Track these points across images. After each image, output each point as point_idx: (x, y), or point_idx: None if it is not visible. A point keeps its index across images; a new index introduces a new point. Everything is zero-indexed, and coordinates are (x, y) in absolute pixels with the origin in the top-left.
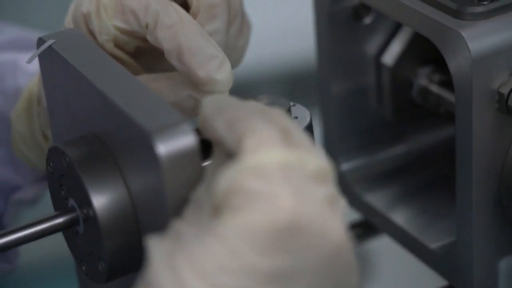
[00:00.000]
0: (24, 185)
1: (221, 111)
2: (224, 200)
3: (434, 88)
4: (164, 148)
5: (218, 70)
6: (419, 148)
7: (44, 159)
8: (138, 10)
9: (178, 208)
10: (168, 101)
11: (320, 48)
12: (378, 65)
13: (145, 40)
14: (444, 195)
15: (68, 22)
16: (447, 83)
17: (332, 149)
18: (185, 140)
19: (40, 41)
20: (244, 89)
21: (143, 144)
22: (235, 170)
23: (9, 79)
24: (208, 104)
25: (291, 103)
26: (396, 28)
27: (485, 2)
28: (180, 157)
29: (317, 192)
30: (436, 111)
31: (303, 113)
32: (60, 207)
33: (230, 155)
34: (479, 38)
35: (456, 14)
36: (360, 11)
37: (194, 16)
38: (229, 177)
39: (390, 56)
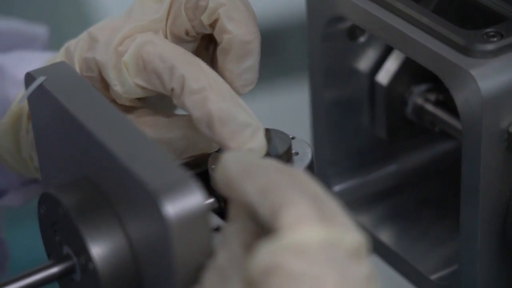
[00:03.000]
0: (11, 190)
1: (251, 175)
2: (262, 279)
3: (430, 107)
4: (172, 208)
5: (251, 139)
6: (411, 167)
7: (31, 172)
8: (163, 72)
9: (185, 268)
10: (160, 139)
11: (312, 68)
12: (372, 83)
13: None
14: (439, 217)
15: (64, 56)
16: (443, 102)
17: (324, 171)
18: (194, 200)
19: (29, 77)
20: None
21: (148, 202)
22: (274, 247)
23: None
24: (232, 164)
25: (291, 136)
26: (391, 46)
27: (495, 39)
28: (189, 218)
29: (358, 273)
30: (431, 129)
31: (303, 147)
32: (53, 252)
33: (251, 216)
34: (489, 78)
35: (465, 51)
36: (355, 31)
37: (225, 54)
38: (267, 255)
39: (385, 75)
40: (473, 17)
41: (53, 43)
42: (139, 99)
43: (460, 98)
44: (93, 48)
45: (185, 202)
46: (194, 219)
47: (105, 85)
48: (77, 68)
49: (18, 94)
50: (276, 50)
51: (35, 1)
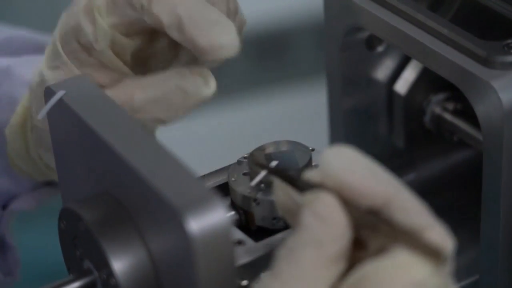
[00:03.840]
0: (22, 194)
1: (372, 175)
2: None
3: (448, 116)
4: (195, 224)
5: (221, 35)
6: (429, 176)
7: (41, 171)
8: None
9: (209, 285)
10: (154, 97)
11: (330, 77)
12: (390, 92)
13: (143, 35)
14: (458, 226)
15: (58, 41)
16: (461, 111)
17: None
18: (217, 215)
19: (48, 91)
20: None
21: (170, 217)
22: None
23: (4, 87)
24: (351, 165)
25: (310, 148)
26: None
27: None
28: (212, 233)
29: None
30: (449, 138)
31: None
32: (73, 266)
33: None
34: (510, 89)
35: (485, 62)
36: (373, 41)
37: None
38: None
39: (403, 85)
40: (491, 27)
41: None
42: (126, 63)
43: (481, 109)
44: (67, 21)
45: (208, 218)
46: (217, 234)
47: (89, 53)
48: (59, 47)
49: (25, 94)
50: (288, 53)
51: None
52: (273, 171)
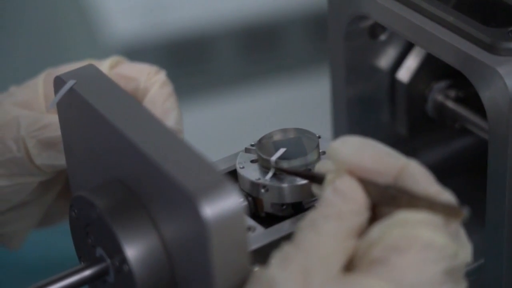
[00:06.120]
0: None
1: (380, 154)
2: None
3: (450, 104)
4: (210, 210)
5: None
6: (432, 163)
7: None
8: None
9: (223, 270)
10: None
11: (333, 65)
12: (393, 81)
13: None
14: None
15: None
16: (463, 98)
17: None
18: (231, 201)
19: (58, 81)
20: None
21: (184, 204)
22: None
23: None
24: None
25: (317, 135)
26: (411, 42)
27: None
28: (226, 219)
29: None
30: (451, 125)
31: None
32: (85, 254)
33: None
34: None
35: (490, 49)
36: (376, 29)
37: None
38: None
39: (405, 73)
40: (494, 14)
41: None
42: None
43: (486, 95)
44: None
45: (222, 203)
46: (231, 220)
47: None
48: None
49: None
50: (279, 45)
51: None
52: (288, 170)
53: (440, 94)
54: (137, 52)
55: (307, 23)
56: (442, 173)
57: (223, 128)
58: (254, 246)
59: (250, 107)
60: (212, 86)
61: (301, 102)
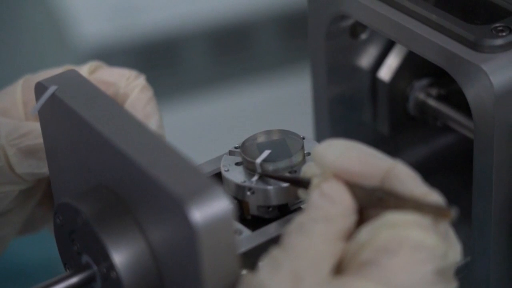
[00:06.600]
0: None
1: (365, 156)
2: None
3: (432, 102)
4: (199, 214)
5: None
6: (414, 161)
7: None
8: None
9: (213, 275)
10: None
11: (314, 65)
12: (374, 80)
13: None
14: None
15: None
16: (444, 96)
17: None
18: (220, 204)
19: (40, 87)
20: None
21: (172, 208)
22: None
23: None
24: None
25: (302, 136)
26: (392, 41)
27: (504, 34)
28: (215, 223)
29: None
30: (432, 123)
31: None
32: (70, 261)
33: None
34: (501, 72)
35: (474, 46)
36: (357, 28)
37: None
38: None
39: (386, 71)
40: (476, 12)
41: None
42: None
43: (471, 93)
44: None
45: (211, 207)
46: (220, 223)
47: None
48: None
49: None
50: (249, 46)
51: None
52: (273, 176)
53: (421, 93)
54: (107, 55)
55: (278, 22)
56: (424, 171)
57: (197, 132)
58: (242, 249)
59: (225, 109)
60: (185, 89)
61: (277, 102)
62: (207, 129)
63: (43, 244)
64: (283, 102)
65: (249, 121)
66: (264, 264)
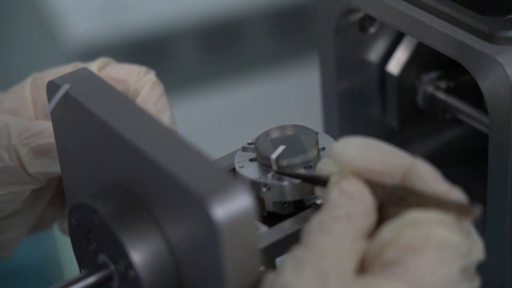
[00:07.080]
0: None
1: (384, 154)
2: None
3: (441, 95)
4: (221, 211)
5: None
6: (423, 155)
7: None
8: None
9: (235, 273)
10: None
11: (323, 60)
12: (383, 73)
13: None
14: None
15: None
16: (453, 89)
17: None
18: (242, 201)
19: (52, 85)
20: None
21: (193, 205)
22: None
23: None
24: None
25: (316, 131)
26: (401, 34)
27: None
28: (238, 220)
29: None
30: (441, 117)
31: (329, 142)
32: (86, 261)
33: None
34: None
35: (488, 38)
36: (366, 22)
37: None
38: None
39: (395, 65)
40: (488, 3)
41: None
42: None
43: (486, 85)
44: None
45: (232, 203)
46: (242, 220)
47: None
48: None
49: None
50: (242, 42)
51: None
52: (290, 174)
53: (430, 86)
54: (97, 52)
55: (270, 17)
56: (434, 165)
57: (189, 130)
58: (260, 245)
59: (218, 107)
60: (177, 86)
61: (269, 98)
62: (200, 127)
63: (35, 245)
64: (277, 98)
65: (246, 119)
66: (287, 264)
